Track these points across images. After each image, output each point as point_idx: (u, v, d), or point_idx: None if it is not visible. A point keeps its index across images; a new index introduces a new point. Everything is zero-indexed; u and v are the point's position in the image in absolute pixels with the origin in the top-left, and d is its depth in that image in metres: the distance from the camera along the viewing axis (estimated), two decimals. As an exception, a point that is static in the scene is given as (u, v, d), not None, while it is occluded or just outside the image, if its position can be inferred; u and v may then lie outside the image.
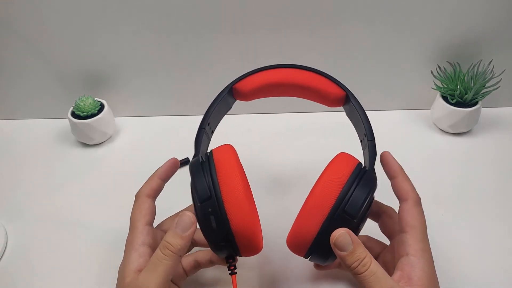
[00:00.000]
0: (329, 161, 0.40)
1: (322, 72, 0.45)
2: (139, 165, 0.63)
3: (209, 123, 0.43)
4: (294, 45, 0.64)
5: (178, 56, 0.66)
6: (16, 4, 0.61)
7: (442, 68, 0.64)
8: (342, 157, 0.40)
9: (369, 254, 0.36)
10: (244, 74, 0.45)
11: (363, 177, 0.38)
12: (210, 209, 0.36)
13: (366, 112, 0.42)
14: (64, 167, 0.63)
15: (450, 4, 0.60)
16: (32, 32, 0.63)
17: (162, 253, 0.37)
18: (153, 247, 0.40)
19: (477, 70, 0.62)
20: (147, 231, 0.41)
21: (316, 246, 0.37)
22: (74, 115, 0.64)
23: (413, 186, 0.41)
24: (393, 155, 0.42)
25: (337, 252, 0.36)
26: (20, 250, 0.52)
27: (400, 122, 0.68)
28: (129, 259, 0.39)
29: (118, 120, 0.70)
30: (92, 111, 0.64)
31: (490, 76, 0.61)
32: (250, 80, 0.45)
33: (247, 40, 0.64)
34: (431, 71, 0.65)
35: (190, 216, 0.38)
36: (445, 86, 0.64)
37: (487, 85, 0.62)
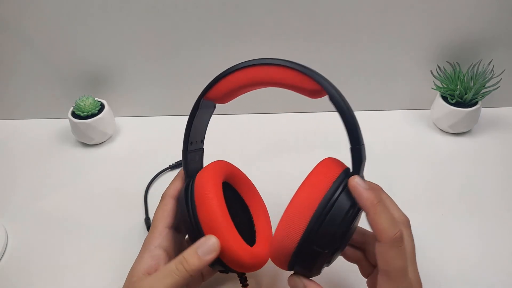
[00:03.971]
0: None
1: (292, 65, 0.36)
2: (139, 165, 0.63)
3: (191, 142, 0.43)
4: (294, 47, 0.64)
5: (178, 56, 0.66)
6: (16, 4, 0.61)
7: (442, 68, 0.64)
8: (322, 167, 0.37)
9: None
10: (212, 81, 0.42)
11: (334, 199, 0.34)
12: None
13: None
14: (64, 167, 0.63)
15: (450, 4, 0.60)
16: (32, 32, 0.63)
17: (176, 267, 0.36)
18: (168, 251, 0.40)
19: (477, 70, 0.62)
20: (166, 233, 0.40)
21: (296, 260, 0.35)
22: (74, 115, 0.64)
23: (392, 220, 0.34)
24: (361, 183, 0.34)
25: None
26: (20, 250, 0.52)
27: (400, 122, 0.68)
28: (141, 260, 0.39)
29: (118, 120, 0.70)
30: (92, 111, 0.64)
31: (490, 76, 0.61)
32: (219, 88, 0.42)
33: (247, 40, 0.64)
34: (431, 71, 0.65)
35: (215, 243, 0.37)
36: (445, 86, 0.64)
37: (487, 85, 0.62)
